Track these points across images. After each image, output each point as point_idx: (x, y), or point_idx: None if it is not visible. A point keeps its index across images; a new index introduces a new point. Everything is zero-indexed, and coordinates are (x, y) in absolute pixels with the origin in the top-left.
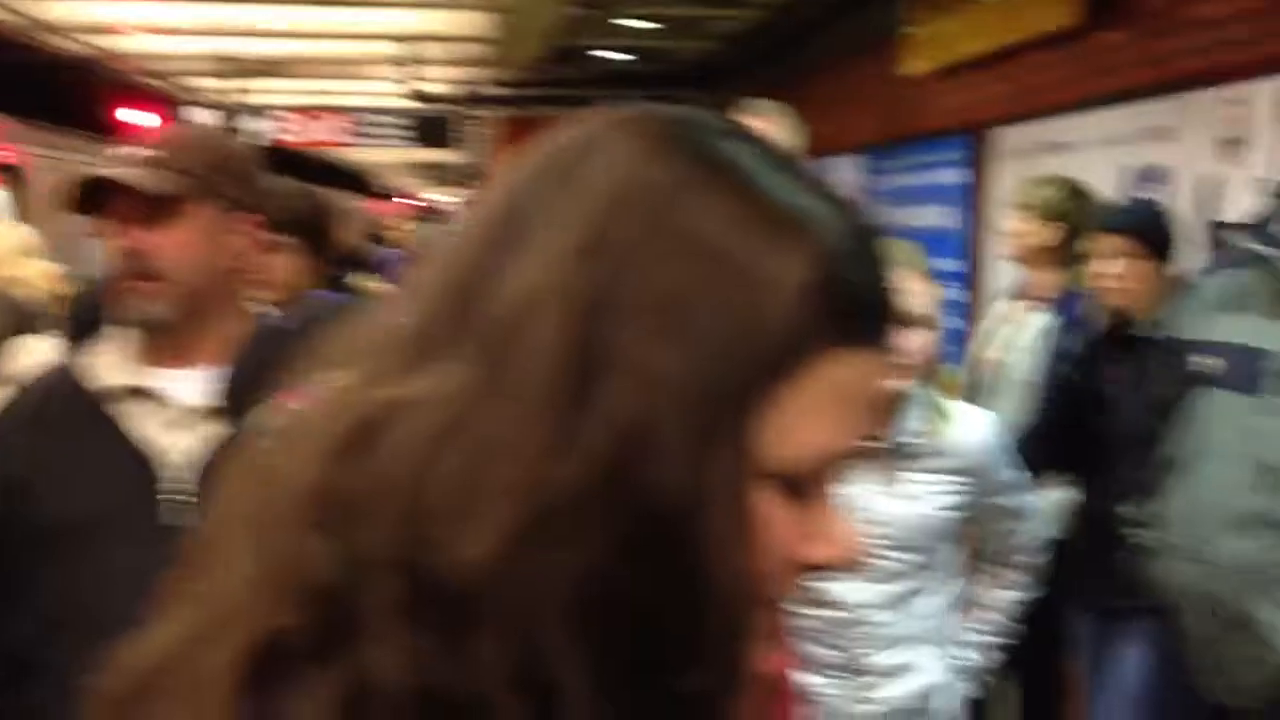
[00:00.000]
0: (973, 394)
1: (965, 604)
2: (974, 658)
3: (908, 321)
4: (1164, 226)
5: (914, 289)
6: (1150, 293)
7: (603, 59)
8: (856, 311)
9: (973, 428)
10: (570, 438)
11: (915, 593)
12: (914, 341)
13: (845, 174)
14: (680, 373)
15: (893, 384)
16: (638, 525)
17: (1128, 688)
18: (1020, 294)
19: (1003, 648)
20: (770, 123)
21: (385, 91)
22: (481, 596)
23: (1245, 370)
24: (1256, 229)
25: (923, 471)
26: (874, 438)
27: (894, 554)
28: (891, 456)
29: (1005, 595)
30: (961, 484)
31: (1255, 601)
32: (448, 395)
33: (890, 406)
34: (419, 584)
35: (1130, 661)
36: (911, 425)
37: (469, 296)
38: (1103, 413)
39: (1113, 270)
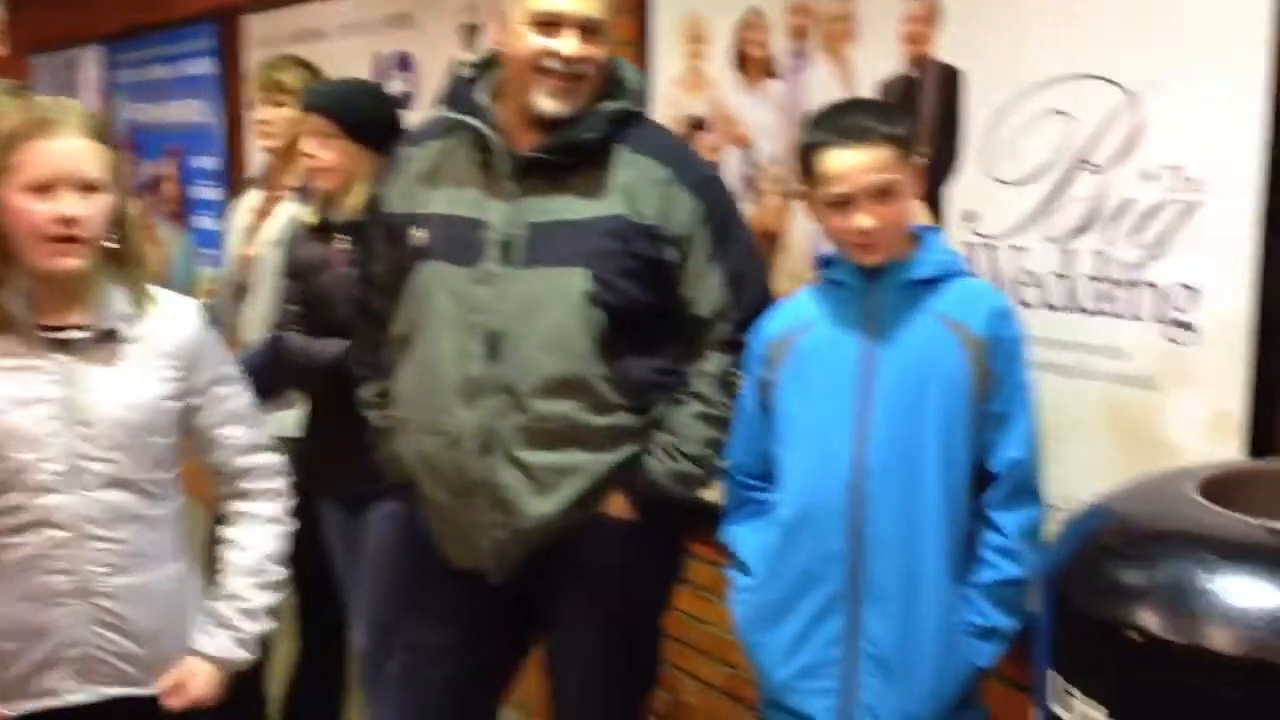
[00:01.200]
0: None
1: (223, 552)
2: (251, 607)
3: (78, 186)
4: (365, 106)
5: (82, 151)
6: (358, 173)
7: None
8: None
9: (179, 313)
10: None
11: (141, 499)
12: (85, 208)
13: (87, 69)
14: None
15: (75, 262)
16: None
17: (377, 569)
18: (268, 183)
19: (277, 586)
20: None
21: None
22: None
23: (459, 240)
24: (457, 98)
25: (132, 361)
26: (78, 326)
27: (111, 455)
28: (95, 344)
29: (265, 532)
30: (174, 371)
31: (492, 466)
32: None
33: (80, 288)
34: None
35: (378, 544)
36: (114, 309)
37: None
38: (330, 301)
39: (314, 151)
